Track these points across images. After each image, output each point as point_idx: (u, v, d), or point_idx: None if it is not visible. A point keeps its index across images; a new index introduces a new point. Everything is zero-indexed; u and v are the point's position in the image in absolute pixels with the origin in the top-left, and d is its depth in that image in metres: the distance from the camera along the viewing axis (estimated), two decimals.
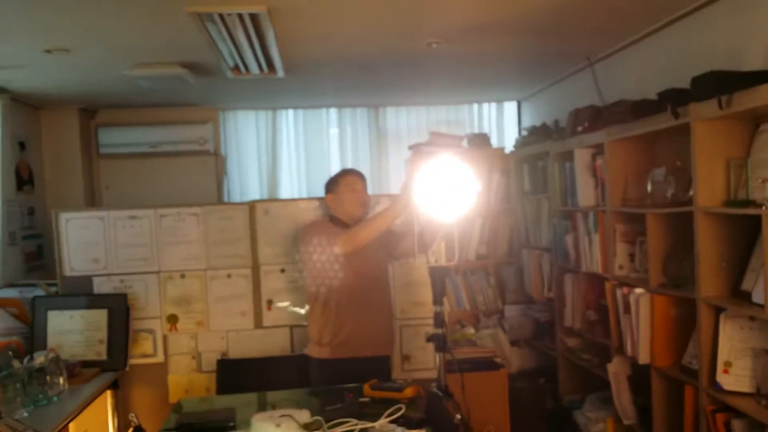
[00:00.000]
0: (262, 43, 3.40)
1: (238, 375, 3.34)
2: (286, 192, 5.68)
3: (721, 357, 2.59)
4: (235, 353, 3.46)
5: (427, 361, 3.50)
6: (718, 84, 2.48)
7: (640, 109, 3.20)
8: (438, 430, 2.32)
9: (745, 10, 2.84)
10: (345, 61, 4.11)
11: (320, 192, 3.31)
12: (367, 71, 4.45)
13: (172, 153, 5.31)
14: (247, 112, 5.70)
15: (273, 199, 5.24)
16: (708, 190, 2.70)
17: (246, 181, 5.69)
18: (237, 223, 3.48)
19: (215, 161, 5.48)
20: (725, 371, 2.57)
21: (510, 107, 6.00)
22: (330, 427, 2.31)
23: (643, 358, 3.14)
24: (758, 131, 2.65)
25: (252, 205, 3.51)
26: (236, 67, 3.87)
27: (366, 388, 2.71)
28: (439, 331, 2.82)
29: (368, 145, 5.80)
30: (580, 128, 3.89)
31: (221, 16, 2.92)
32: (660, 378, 3.11)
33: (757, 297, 2.45)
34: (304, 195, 5.54)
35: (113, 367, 3.35)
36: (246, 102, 5.53)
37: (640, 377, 3.32)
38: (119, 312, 3.38)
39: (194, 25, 3.06)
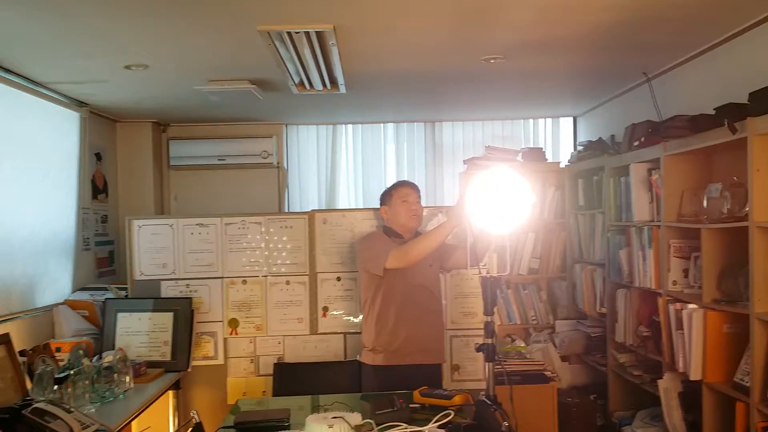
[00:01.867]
0: (326, 60, 3.54)
1: (293, 378, 3.47)
2: (343, 204, 5.82)
3: None
4: (290, 358, 3.59)
5: (476, 372, 3.55)
6: None
7: (697, 123, 3.20)
8: None
9: None
10: (403, 77, 4.23)
11: (376, 204, 3.41)
12: (425, 87, 4.55)
13: (238, 165, 5.54)
14: (309, 126, 5.88)
15: (331, 210, 5.40)
16: (764, 205, 2.69)
17: (306, 193, 5.86)
18: (296, 232, 3.62)
19: (278, 173, 5.68)
20: None
21: (566, 122, 6.00)
22: (380, 431, 2.39)
23: (695, 374, 3.12)
24: None
25: (311, 215, 3.65)
26: (301, 83, 4.03)
27: (416, 394, 2.78)
28: (489, 340, 2.88)
29: (424, 160, 5.89)
30: (636, 143, 3.89)
31: (290, 34, 3.08)
32: (711, 394, 3.08)
33: None
34: (361, 207, 5.66)
35: (176, 368, 3.50)
36: (308, 117, 5.71)
37: (690, 394, 3.29)
38: (184, 315, 3.55)
39: (263, 43, 3.23)
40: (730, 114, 2.85)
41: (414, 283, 3.15)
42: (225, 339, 3.61)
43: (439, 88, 4.61)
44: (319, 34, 3.16)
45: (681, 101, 3.90)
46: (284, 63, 3.59)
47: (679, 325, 3.27)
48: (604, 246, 4.36)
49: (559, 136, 5.97)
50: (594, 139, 4.98)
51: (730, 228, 2.98)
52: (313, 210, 3.78)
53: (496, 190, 2.66)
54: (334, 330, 3.62)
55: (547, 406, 3.62)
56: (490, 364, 2.87)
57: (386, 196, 3.34)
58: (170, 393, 3.54)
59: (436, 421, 2.46)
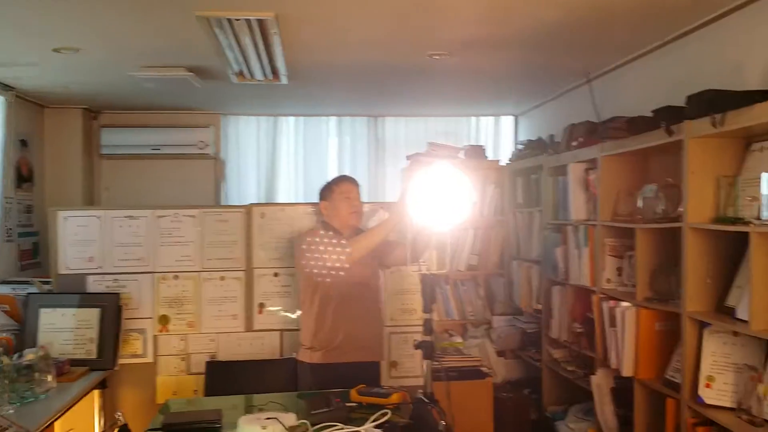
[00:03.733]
0: (267, 49, 3.45)
1: (226, 377, 3.37)
2: (283, 198, 5.73)
3: (704, 371, 2.63)
4: (224, 355, 3.49)
5: (414, 369, 3.53)
6: (713, 102, 2.52)
7: (635, 125, 3.25)
8: None
9: (743, 30, 2.89)
10: (347, 70, 4.17)
11: (317, 198, 3.33)
12: (368, 80, 4.51)
13: (173, 155, 5.36)
14: (249, 117, 5.75)
15: (269, 204, 5.29)
16: (698, 206, 2.74)
17: (244, 186, 5.73)
18: (233, 226, 3.52)
19: (215, 165, 5.53)
20: (707, 385, 2.61)
21: (507, 121, 6.06)
22: (316, 431, 2.34)
23: (627, 370, 3.18)
24: (750, 150, 2.70)
25: (249, 209, 3.55)
26: (241, 73, 3.92)
27: (353, 393, 2.73)
28: (428, 338, 2.86)
29: (366, 154, 5.86)
30: (574, 143, 3.95)
31: (230, 21, 2.98)
32: (643, 390, 3.14)
33: (741, 313, 2.49)
34: (301, 201, 5.57)
35: (102, 366, 3.35)
36: (248, 108, 5.58)
37: (622, 390, 3.36)
38: (111, 311, 3.40)
39: (202, 30, 3.11)
40: (667, 116, 2.90)
41: (353, 280, 3.10)
42: (155, 336, 3.47)
43: (383, 83, 4.57)
44: (261, 23, 3.07)
45: (620, 103, 3.97)
46: (224, 51, 3.48)
47: (613, 323, 3.33)
48: (541, 244, 4.41)
49: (500, 134, 6.04)
50: (534, 139, 5.04)
51: (663, 228, 3.04)
52: (251, 204, 3.67)
53: (437, 187, 2.65)
54: (270, 327, 3.53)
55: (483, 401, 3.66)
56: (428, 361, 2.87)
57: (326, 192, 3.26)
58: (95, 393, 3.39)
59: (373, 421, 2.41)
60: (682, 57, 3.39)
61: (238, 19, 3.00)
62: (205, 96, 4.86)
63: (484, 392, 3.64)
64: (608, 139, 3.51)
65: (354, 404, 2.67)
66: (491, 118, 6.02)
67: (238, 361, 3.43)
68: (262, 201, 5.64)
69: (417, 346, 2.63)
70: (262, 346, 3.51)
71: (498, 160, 5.33)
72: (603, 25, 3.24)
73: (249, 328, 3.53)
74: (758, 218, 2.43)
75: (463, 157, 5.10)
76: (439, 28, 3.28)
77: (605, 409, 3.45)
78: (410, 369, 3.54)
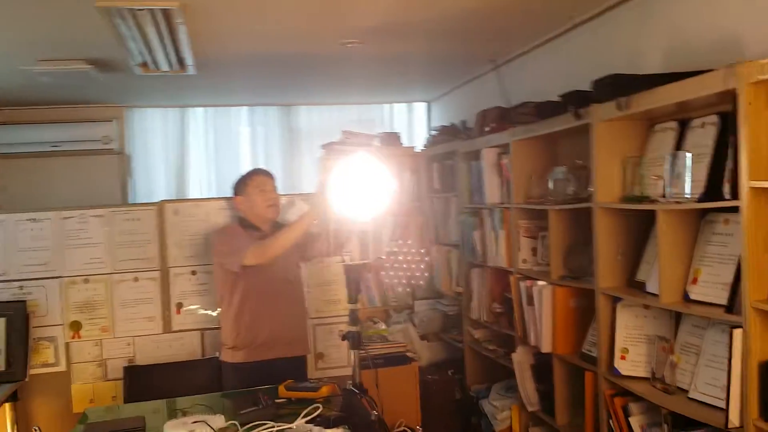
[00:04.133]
0: (173, 39, 3.31)
1: (146, 382, 3.25)
2: (195, 193, 5.55)
3: (618, 344, 2.76)
4: (142, 359, 3.37)
5: (341, 359, 3.53)
6: (618, 86, 2.63)
7: (544, 110, 3.34)
8: (355, 427, 2.35)
9: (644, 16, 3.02)
10: (258, 59, 4.07)
11: (231, 192, 3.25)
12: (280, 70, 4.42)
13: (75, 152, 5.09)
14: (155, 110, 5.52)
15: (182, 199, 5.12)
16: (606, 187, 2.86)
17: (153, 182, 5.51)
18: (145, 225, 3.38)
19: (120, 161, 5.29)
20: (622, 357, 2.74)
21: (420, 107, 6.12)
22: (246, 431, 2.30)
23: (546, 347, 3.29)
24: (652, 131, 2.84)
25: (160, 206, 3.43)
26: (145, 64, 3.75)
27: (281, 389, 2.71)
28: (354, 328, 2.87)
29: (280, 144, 5.76)
30: (487, 128, 4.03)
31: (132, 11, 2.83)
32: (561, 365, 3.27)
33: (651, 287, 2.63)
34: (215, 195, 5.43)
35: (12, 378, 3.19)
36: (153, 99, 5.36)
37: (542, 365, 3.48)
38: (18, 320, 3.22)
39: (103, 21, 2.95)
40: (575, 101, 2.99)
41: (274, 276, 3.05)
42: (67, 343, 3.31)
43: (295, 71, 4.50)
44: (166, 12, 2.94)
45: (528, 88, 4.09)
46: (126, 42, 3.31)
47: (530, 301, 3.44)
48: (459, 228, 4.50)
49: (414, 121, 6.09)
50: (447, 125, 5.11)
51: (574, 209, 3.16)
52: (162, 201, 3.54)
53: (356, 176, 2.65)
54: (189, 327, 3.43)
55: (409, 386, 3.71)
56: (356, 351, 2.88)
57: (241, 186, 3.18)
58: (7, 406, 3.22)
59: (304, 416, 2.40)
60: (585, 43, 3.51)
61: (141, 9, 2.87)
62: (108, 89, 4.62)
63: (411, 377, 3.69)
64: (519, 124, 3.60)
65: (283, 400, 2.65)
66: (404, 105, 6.06)
67: (157, 364, 3.32)
68: (173, 197, 5.45)
69: (344, 337, 2.64)
70: (182, 347, 3.41)
71: (413, 147, 5.38)
72: (508, 13, 3.31)
73: (167, 329, 3.42)
74: (663, 196, 2.57)
75: (378, 145, 5.11)
76: (351, 17, 3.25)
77: (526, 385, 3.57)
78: (337, 359, 3.54)
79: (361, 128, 5.57)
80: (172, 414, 2.58)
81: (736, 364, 2.08)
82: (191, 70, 3.98)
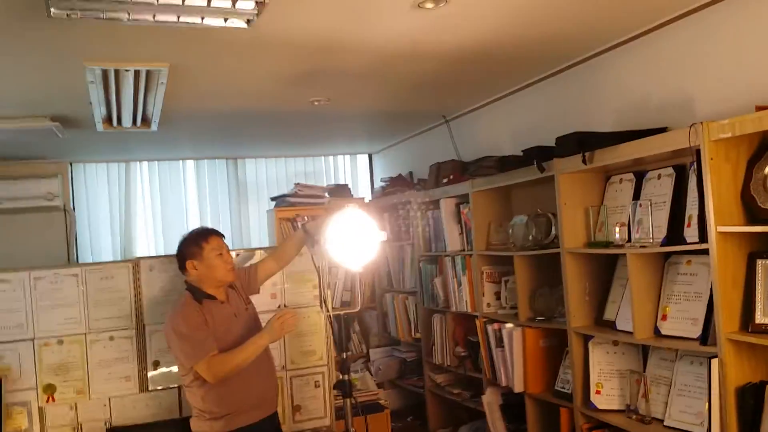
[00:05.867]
0: (145, 98, 3.35)
1: None
2: (142, 250, 5.45)
3: (593, 379, 2.98)
4: (119, 420, 3.27)
5: (318, 410, 3.55)
6: (581, 143, 2.91)
7: (506, 163, 3.60)
8: None
9: (594, 78, 3.34)
10: (219, 115, 4.15)
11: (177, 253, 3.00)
12: (229, 125, 4.50)
13: (18, 209, 4.89)
14: (98, 164, 5.44)
15: (157, 256, 5.00)
16: (572, 233, 3.12)
17: (97, 239, 5.39)
18: (119, 282, 3.32)
19: (65, 218, 5.14)
20: (597, 392, 2.96)
21: (362, 159, 6.32)
22: None
23: (518, 386, 3.47)
24: (610, 182, 3.14)
25: (135, 263, 3.39)
26: (109, 120, 3.74)
27: None
28: (345, 377, 2.96)
29: (227, 197, 5.78)
30: (445, 180, 4.26)
31: (117, 71, 2.88)
32: (533, 404, 3.45)
33: (621, 324, 2.87)
34: (161, 252, 5.34)
35: None
36: (96, 154, 5.28)
37: (512, 406, 3.66)
38: None
39: (81, 80, 2.96)
40: (537, 155, 3.27)
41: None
42: (40, 408, 3.17)
43: (244, 126, 4.57)
44: (149, 73, 3.00)
45: (478, 141, 4.37)
46: (98, 100, 3.32)
47: (499, 344, 3.63)
48: (415, 275, 4.66)
49: (357, 171, 6.27)
50: (394, 176, 5.33)
51: (537, 254, 3.40)
52: (137, 257, 3.51)
53: (351, 229, 2.81)
54: (166, 385, 3.37)
55: None
56: (349, 399, 2.95)
57: (194, 249, 2.89)
58: None
59: None
60: (536, 102, 3.83)
61: (127, 70, 2.92)
62: (53, 144, 4.52)
63: (383, 424, 3.77)
64: (479, 176, 3.85)
65: None
66: (348, 157, 6.24)
67: (136, 425, 3.24)
68: (119, 254, 5.35)
69: (335, 386, 2.69)
70: (159, 406, 3.33)
71: (363, 197, 5.54)
72: (459, 77, 3.60)
73: (143, 388, 3.34)
74: (629, 241, 2.84)
75: (329, 196, 5.24)
76: (323, 82, 3.43)
77: (497, 425, 3.72)
78: (314, 411, 3.55)
79: (308, 180, 5.71)
80: None
81: (715, 391, 2.32)
82: (154, 126, 4.00)
